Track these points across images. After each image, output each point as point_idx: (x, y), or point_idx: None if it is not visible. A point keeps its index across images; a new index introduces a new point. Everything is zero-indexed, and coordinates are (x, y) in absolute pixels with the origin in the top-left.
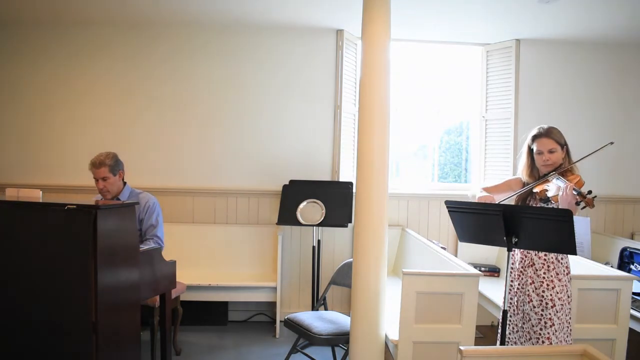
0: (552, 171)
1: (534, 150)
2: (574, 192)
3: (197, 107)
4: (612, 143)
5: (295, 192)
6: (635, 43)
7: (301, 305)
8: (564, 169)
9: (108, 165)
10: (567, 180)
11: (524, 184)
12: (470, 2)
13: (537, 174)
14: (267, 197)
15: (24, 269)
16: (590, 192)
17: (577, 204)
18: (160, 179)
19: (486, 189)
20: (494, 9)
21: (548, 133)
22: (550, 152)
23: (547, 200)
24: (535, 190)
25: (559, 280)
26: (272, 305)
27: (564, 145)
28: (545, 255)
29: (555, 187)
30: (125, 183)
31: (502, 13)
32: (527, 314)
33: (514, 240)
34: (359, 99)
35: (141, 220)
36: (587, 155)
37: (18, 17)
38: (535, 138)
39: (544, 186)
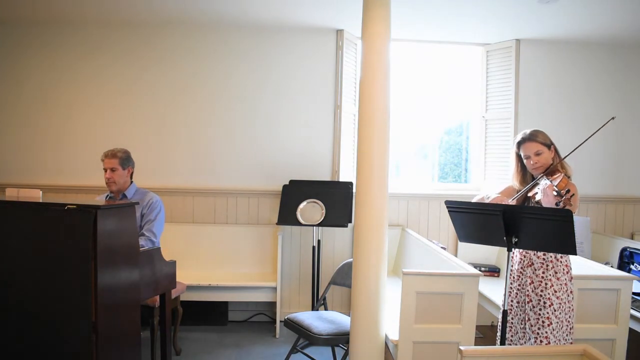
0: (542, 173)
1: (522, 156)
2: (554, 193)
3: (197, 106)
4: (613, 118)
5: (295, 192)
6: (636, 43)
7: (301, 305)
8: (552, 169)
9: (119, 157)
10: (551, 180)
11: (518, 191)
12: (470, 2)
13: (530, 179)
14: (267, 197)
15: (24, 269)
16: (568, 191)
17: (557, 204)
18: (161, 179)
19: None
20: (494, 9)
21: (531, 137)
22: (536, 155)
23: (540, 204)
24: (529, 194)
25: (558, 279)
26: (272, 305)
27: (550, 145)
28: (544, 254)
29: (542, 190)
30: (132, 181)
31: (502, 13)
32: (527, 313)
33: (514, 240)
34: (359, 99)
35: (142, 215)
36: (590, 137)
37: (18, 15)
38: (519, 144)
39: (535, 189)
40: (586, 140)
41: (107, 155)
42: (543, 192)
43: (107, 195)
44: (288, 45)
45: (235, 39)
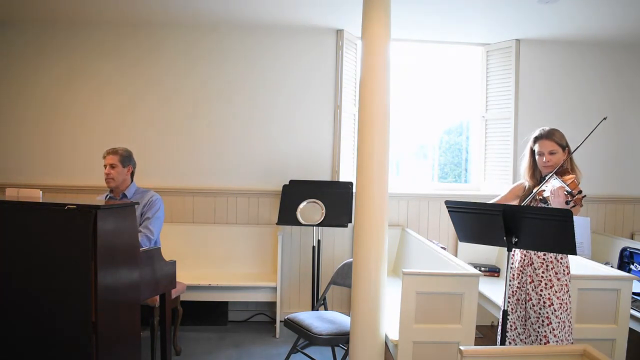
0: (551, 172)
1: (535, 151)
2: (565, 192)
3: (197, 107)
4: (605, 119)
5: (295, 192)
6: (635, 43)
7: (301, 305)
8: (562, 169)
9: (120, 154)
10: (562, 180)
11: (526, 188)
12: (470, 2)
13: (538, 176)
14: (267, 197)
15: (24, 269)
16: (580, 192)
17: (567, 202)
18: (161, 179)
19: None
20: (494, 9)
21: (549, 135)
22: (550, 154)
23: (545, 200)
24: (536, 190)
25: (558, 279)
26: (272, 305)
27: (565, 147)
28: (545, 254)
29: (550, 187)
30: (132, 181)
31: (502, 13)
32: (527, 311)
33: (514, 240)
34: (359, 99)
35: (142, 214)
36: (584, 140)
37: (21, 16)
38: (536, 139)
39: (542, 187)
40: (580, 144)
41: (108, 152)
42: (553, 193)
43: (107, 195)
44: (288, 45)
45: (235, 39)
